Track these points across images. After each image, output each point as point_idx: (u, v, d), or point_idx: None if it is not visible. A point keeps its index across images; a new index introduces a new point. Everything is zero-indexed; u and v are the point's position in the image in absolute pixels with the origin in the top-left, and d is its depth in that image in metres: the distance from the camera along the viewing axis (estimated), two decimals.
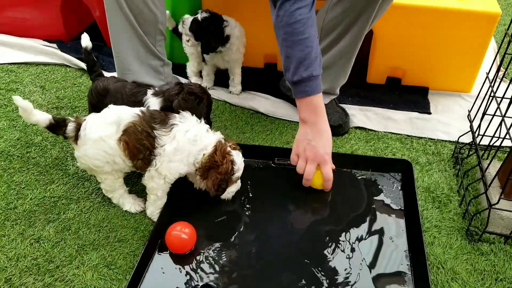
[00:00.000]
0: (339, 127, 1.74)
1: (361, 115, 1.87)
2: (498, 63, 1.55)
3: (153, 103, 1.46)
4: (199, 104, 1.46)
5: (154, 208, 1.39)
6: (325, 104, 1.77)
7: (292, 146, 1.71)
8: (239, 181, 1.41)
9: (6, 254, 1.29)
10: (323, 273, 1.21)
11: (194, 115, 1.35)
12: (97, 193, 1.49)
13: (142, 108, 1.34)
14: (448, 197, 1.47)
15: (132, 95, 1.48)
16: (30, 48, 2.27)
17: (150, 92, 1.48)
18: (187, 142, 1.29)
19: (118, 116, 1.29)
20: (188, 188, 1.47)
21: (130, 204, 1.42)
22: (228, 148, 1.34)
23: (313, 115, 1.36)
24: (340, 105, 1.85)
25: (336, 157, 1.55)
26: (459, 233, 1.34)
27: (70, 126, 1.30)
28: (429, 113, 1.89)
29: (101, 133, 1.27)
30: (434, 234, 1.33)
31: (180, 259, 1.26)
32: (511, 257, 1.26)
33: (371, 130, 1.80)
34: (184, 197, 1.46)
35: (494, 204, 1.28)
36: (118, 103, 1.45)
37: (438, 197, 1.47)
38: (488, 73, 1.52)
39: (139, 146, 1.29)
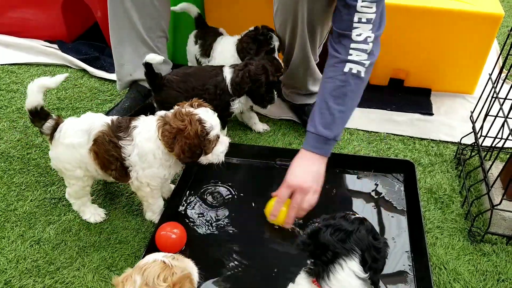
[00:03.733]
0: None
1: (363, 117, 1.86)
2: (501, 64, 1.54)
3: (227, 72, 1.59)
4: (258, 86, 1.56)
5: (151, 212, 1.38)
6: (312, 103, 1.75)
7: (294, 147, 1.71)
8: (224, 138, 1.30)
9: (6, 256, 1.28)
10: None
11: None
12: (98, 195, 1.49)
13: (113, 117, 1.28)
14: (451, 198, 1.46)
15: (214, 75, 1.59)
16: (31, 48, 2.27)
17: (226, 67, 1.62)
18: (145, 142, 1.22)
19: (90, 124, 1.24)
20: (192, 187, 1.47)
21: (90, 214, 1.37)
22: (189, 109, 1.21)
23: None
24: None
25: (339, 158, 1.55)
26: (461, 234, 1.33)
27: (48, 124, 1.25)
28: (432, 114, 1.88)
29: (73, 140, 1.23)
30: (436, 234, 1.33)
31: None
32: None
33: (373, 131, 1.79)
34: (186, 199, 1.46)
35: (497, 205, 1.27)
36: (201, 80, 1.57)
37: (441, 198, 1.46)
38: (490, 74, 1.51)
39: (108, 157, 1.24)
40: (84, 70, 2.15)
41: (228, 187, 1.50)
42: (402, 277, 1.20)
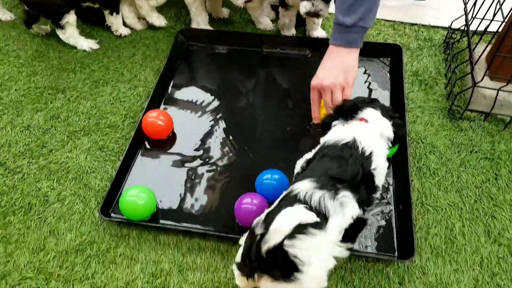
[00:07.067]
0: None
1: None
2: None
3: None
4: None
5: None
6: None
7: (279, 33, 1.66)
8: None
9: None
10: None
11: None
12: (84, 83, 1.48)
13: None
14: (435, 80, 1.47)
15: None
16: None
17: None
18: None
19: None
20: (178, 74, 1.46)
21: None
22: None
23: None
24: None
25: (326, 43, 1.52)
26: (442, 113, 1.37)
27: None
28: None
29: None
30: (417, 113, 1.36)
31: (169, 141, 1.30)
32: (488, 132, 1.30)
33: None
34: (173, 84, 1.46)
35: (478, 82, 1.29)
36: None
37: (425, 80, 1.47)
38: None
39: None
40: None
41: (213, 76, 1.49)
42: None
